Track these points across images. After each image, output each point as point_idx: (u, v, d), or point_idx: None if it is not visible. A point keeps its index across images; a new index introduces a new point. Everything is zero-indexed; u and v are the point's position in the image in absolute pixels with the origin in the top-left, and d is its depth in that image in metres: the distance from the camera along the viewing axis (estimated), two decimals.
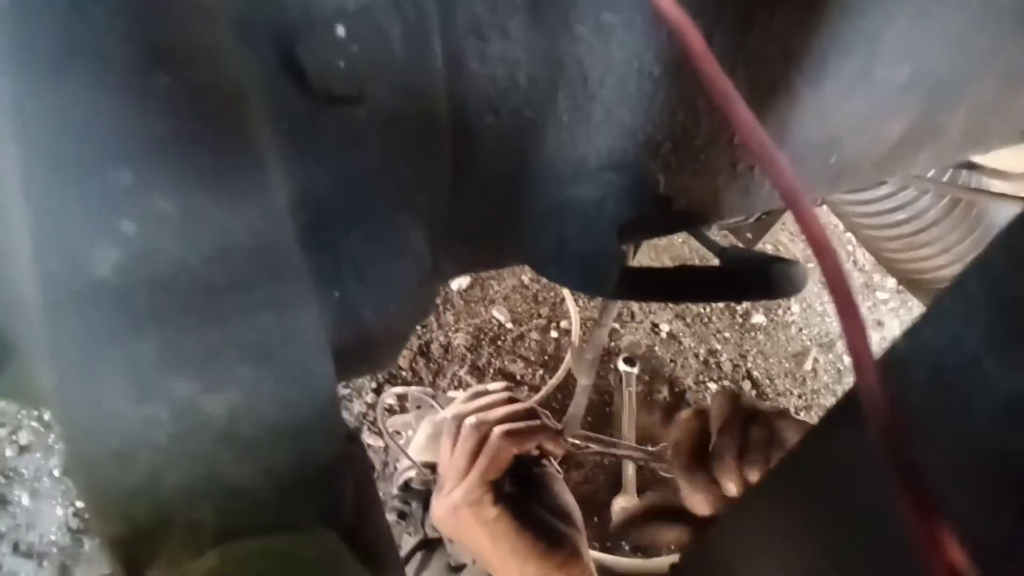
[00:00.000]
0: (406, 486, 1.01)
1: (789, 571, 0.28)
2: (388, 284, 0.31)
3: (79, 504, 1.43)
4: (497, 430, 0.66)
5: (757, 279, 0.42)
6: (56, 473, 1.47)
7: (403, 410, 1.61)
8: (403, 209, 0.31)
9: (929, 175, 0.84)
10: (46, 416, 1.52)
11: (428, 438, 1.08)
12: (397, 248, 0.31)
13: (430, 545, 1.04)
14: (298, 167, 0.27)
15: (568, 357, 1.08)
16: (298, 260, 0.25)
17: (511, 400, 0.73)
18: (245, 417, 0.25)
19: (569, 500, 0.75)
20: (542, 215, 0.35)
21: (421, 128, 0.28)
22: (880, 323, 2.43)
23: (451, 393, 1.12)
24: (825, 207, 1.22)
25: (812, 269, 2.45)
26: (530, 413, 0.71)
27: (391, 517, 1.01)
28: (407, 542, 1.02)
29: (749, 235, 1.18)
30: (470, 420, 0.69)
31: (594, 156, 0.34)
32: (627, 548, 1.58)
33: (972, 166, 0.81)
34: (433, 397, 1.10)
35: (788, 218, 2.54)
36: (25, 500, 1.43)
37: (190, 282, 0.22)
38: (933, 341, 0.21)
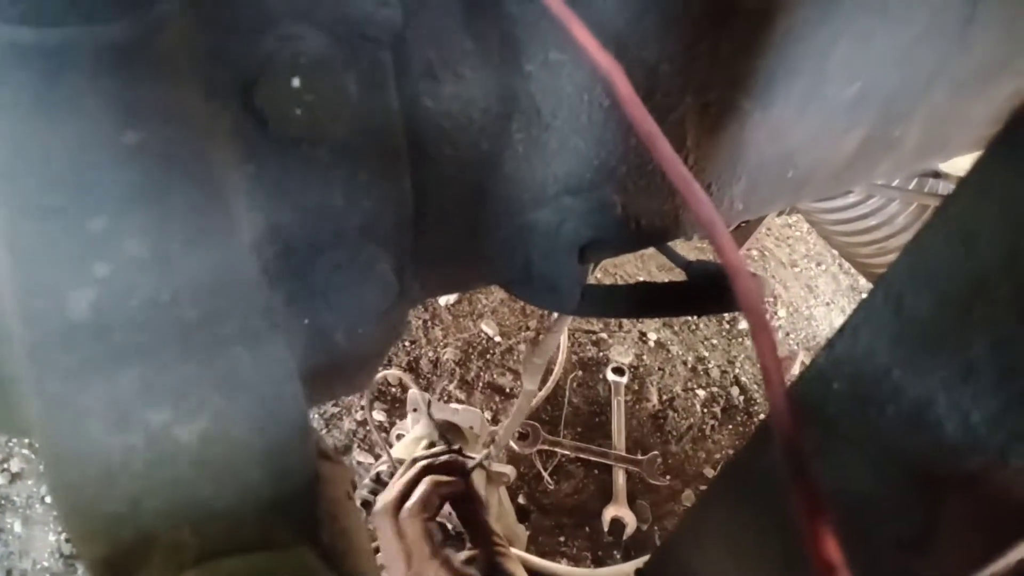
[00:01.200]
0: (377, 478, 1.04)
1: (741, 570, 0.30)
2: (357, 309, 0.33)
3: None
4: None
5: (716, 292, 0.43)
6: (48, 500, 1.47)
7: (392, 426, 1.63)
8: (368, 238, 0.32)
9: (895, 183, 0.86)
10: (37, 444, 1.52)
11: (414, 439, 1.11)
12: (364, 275, 0.32)
13: None
14: (266, 203, 0.28)
15: (556, 368, 1.10)
16: (265, 294, 0.27)
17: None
18: (218, 443, 0.26)
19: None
20: (505, 239, 0.37)
21: (381, 163, 0.30)
22: None
23: (454, 405, 1.15)
24: (797, 216, 1.25)
25: (798, 274, 2.48)
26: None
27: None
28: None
29: None
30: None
31: (552, 182, 0.36)
32: (618, 556, 1.59)
33: (937, 175, 0.83)
34: (429, 403, 1.13)
35: (773, 223, 2.57)
36: (18, 527, 1.43)
37: (163, 319, 0.24)
38: (849, 354, 0.23)
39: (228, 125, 0.25)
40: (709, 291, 0.45)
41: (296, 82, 0.24)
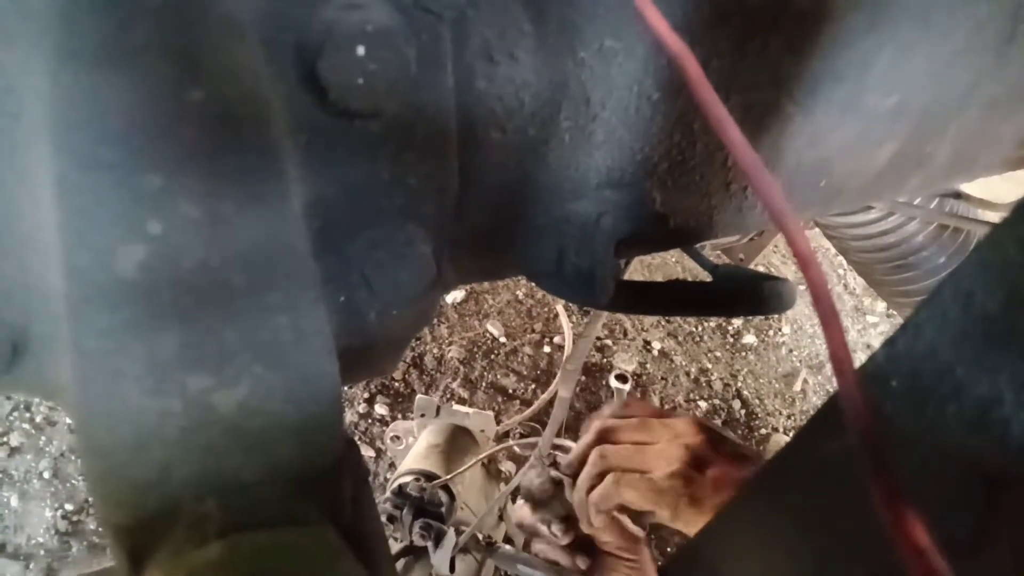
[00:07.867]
0: (400, 490, 1.01)
1: (774, 573, 0.30)
2: (393, 289, 0.33)
3: (68, 507, 1.43)
4: None
5: (747, 295, 0.43)
6: (46, 476, 1.47)
7: (395, 420, 1.62)
8: (410, 217, 0.32)
9: (916, 202, 0.86)
10: (37, 419, 1.52)
11: (428, 446, 1.08)
12: (403, 254, 0.32)
13: (415, 552, 1.04)
14: (312, 176, 0.28)
15: (560, 372, 1.09)
16: (311, 265, 0.27)
17: None
18: (254, 413, 0.26)
19: None
20: (542, 228, 0.37)
21: (431, 142, 0.30)
22: (869, 346, 2.45)
23: (455, 406, 1.13)
24: (817, 230, 1.25)
25: (803, 292, 2.48)
26: None
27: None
28: (393, 547, 1.02)
29: (742, 256, 1.20)
30: None
31: (594, 174, 0.36)
32: None
33: (959, 195, 0.83)
34: (438, 408, 1.10)
35: (780, 241, 2.57)
36: (14, 502, 1.43)
37: (210, 282, 0.24)
38: (910, 351, 0.23)
39: (284, 91, 0.25)
40: (738, 294, 0.45)
41: (361, 50, 0.24)
